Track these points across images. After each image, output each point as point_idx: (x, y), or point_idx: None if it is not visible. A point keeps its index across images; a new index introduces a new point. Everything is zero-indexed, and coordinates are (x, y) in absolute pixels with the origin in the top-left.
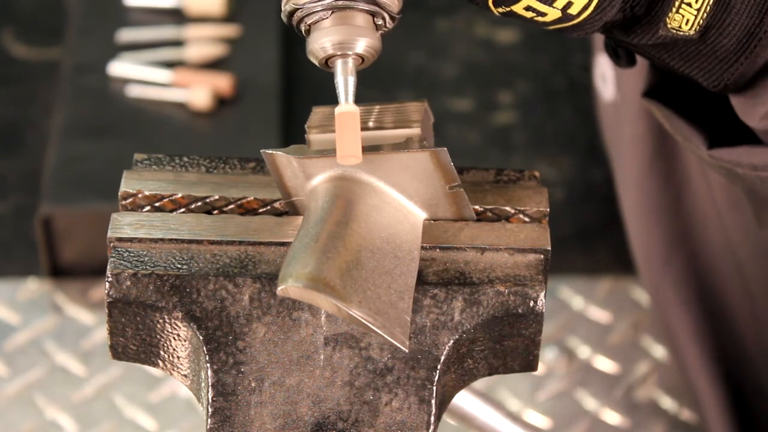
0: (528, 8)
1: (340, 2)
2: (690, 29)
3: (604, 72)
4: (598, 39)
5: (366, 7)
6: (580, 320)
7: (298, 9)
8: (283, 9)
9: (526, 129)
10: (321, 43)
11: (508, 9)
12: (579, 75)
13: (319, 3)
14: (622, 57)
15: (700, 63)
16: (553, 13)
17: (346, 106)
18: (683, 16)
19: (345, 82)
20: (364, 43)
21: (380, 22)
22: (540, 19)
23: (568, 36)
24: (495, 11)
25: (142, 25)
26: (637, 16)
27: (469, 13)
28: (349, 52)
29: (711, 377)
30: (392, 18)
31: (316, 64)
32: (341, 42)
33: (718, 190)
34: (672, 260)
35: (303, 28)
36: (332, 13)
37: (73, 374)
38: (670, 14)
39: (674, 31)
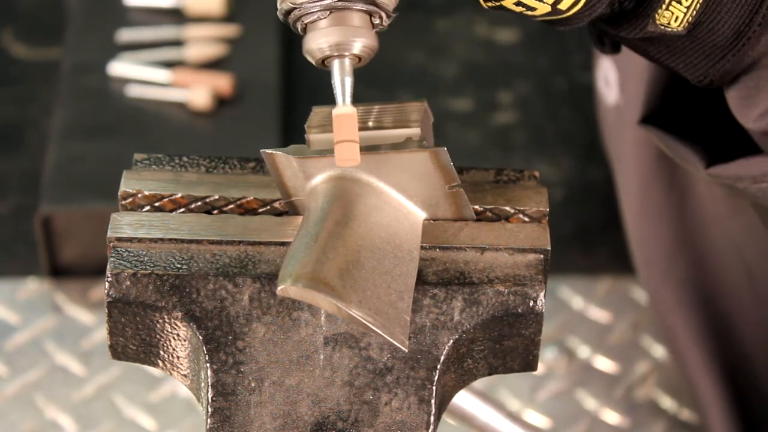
0: (518, 3)
1: (339, 3)
2: (679, 26)
3: (608, 75)
4: None
5: (363, 7)
6: (580, 320)
7: (295, 8)
8: (279, 7)
9: (526, 129)
10: (318, 43)
11: (497, 3)
12: (579, 75)
13: (317, 3)
14: (606, 45)
15: (686, 58)
16: (542, 8)
17: (344, 108)
18: (672, 13)
19: (342, 82)
20: (360, 44)
21: (377, 21)
22: (529, 13)
23: (555, 28)
24: (484, 5)
25: (142, 25)
26: (626, 11)
27: (468, 13)
28: (346, 53)
29: (712, 379)
30: (388, 16)
31: (313, 62)
32: (338, 43)
33: (720, 194)
34: (675, 263)
35: (299, 26)
36: (330, 13)
37: (73, 374)
38: (659, 11)
39: (663, 28)
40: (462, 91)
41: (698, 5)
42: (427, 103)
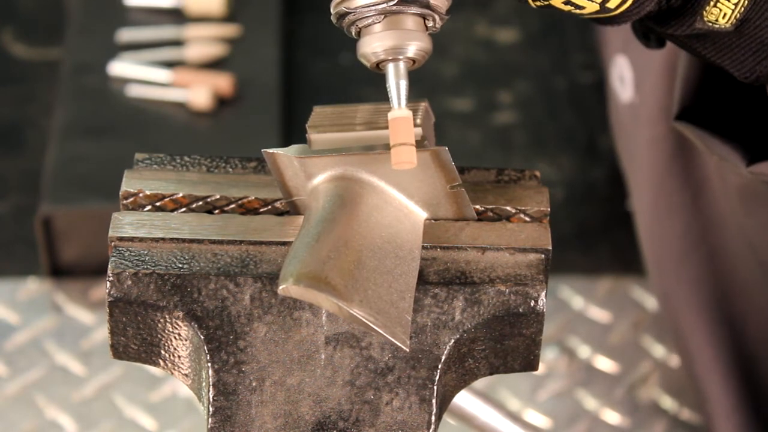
0: (567, 2)
1: (393, 7)
2: (726, 23)
3: (623, 73)
4: (616, 40)
5: (417, 10)
6: (581, 320)
7: (350, 13)
8: (333, 11)
9: (526, 129)
10: (373, 47)
11: (546, 2)
12: (579, 75)
13: (372, 8)
14: (652, 40)
15: (733, 54)
16: (591, 7)
17: (399, 111)
18: (720, 10)
19: (397, 86)
20: (415, 47)
21: (430, 23)
22: (577, 11)
23: (601, 25)
24: (533, 4)
25: (142, 25)
26: (674, 9)
27: (468, 13)
28: (401, 57)
29: (721, 380)
30: (442, 18)
31: (367, 66)
32: (393, 47)
33: (736, 191)
34: (687, 261)
35: (353, 30)
36: (384, 17)
37: (73, 374)
38: (707, 8)
39: (710, 24)
40: (462, 91)
41: (746, 2)
42: (427, 103)
